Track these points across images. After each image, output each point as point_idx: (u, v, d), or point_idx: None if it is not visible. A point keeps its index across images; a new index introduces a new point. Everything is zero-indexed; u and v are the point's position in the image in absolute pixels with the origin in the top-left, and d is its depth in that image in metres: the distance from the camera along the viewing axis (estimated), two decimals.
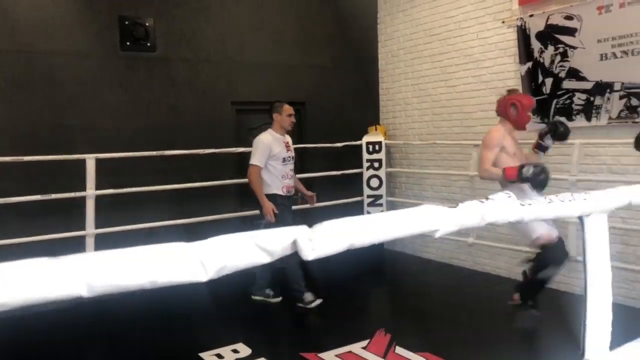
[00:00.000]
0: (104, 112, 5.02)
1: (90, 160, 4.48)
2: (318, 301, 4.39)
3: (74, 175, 4.47)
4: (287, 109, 4.48)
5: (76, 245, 4.30)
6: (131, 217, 4.75)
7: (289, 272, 4.37)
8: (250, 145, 5.25)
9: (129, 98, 5.13)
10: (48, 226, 4.38)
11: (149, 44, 5.15)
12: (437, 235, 1.12)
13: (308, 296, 4.40)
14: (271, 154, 4.37)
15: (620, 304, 3.57)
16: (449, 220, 1.06)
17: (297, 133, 6.22)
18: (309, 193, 4.78)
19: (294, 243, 0.93)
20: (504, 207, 1.09)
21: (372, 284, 5.16)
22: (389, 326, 3.87)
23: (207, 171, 5.29)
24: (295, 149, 5.44)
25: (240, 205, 5.46)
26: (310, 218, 5.65)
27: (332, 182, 5.95)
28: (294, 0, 6.14)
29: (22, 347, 3.73)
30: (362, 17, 6.67)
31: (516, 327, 3.80)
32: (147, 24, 5.13)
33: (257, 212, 4.46)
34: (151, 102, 5.25)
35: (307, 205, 4.86)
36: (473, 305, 4.49)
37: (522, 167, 3.36)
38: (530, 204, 1.07)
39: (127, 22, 5.04)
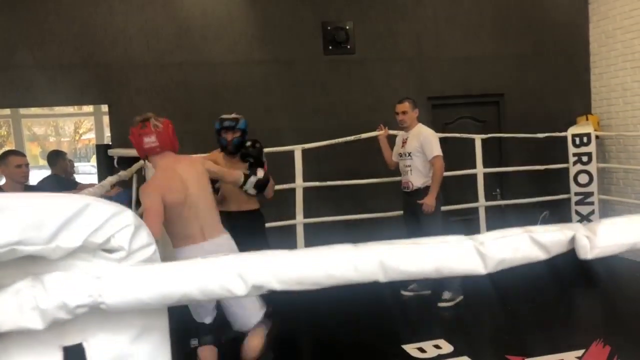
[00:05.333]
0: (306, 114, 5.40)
1: (298, 151, 4.76)
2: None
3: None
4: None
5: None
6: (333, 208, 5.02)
7: None
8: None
9: (330, 99, 5.44)
10: None
11: (348, 47, 5.41)
12: None
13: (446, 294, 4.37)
14: None
15: None
16: None
17: (496, 125, 5.94)
18: None
19: (572, 240, 0.89)
20: None
21: (582, 290, 4.63)
22: (606, 338, 3.47)
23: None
24: (494, 139, 5.36)
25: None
26: (508, 215, 5.33)
27: (533, 178, 5.57)
28: None
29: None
30: None
31: None
32: (347, 28, 5.38)
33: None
34: (350, 102, 5.48)
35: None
36: None
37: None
38: None
39: (329, 27, 5.36)
